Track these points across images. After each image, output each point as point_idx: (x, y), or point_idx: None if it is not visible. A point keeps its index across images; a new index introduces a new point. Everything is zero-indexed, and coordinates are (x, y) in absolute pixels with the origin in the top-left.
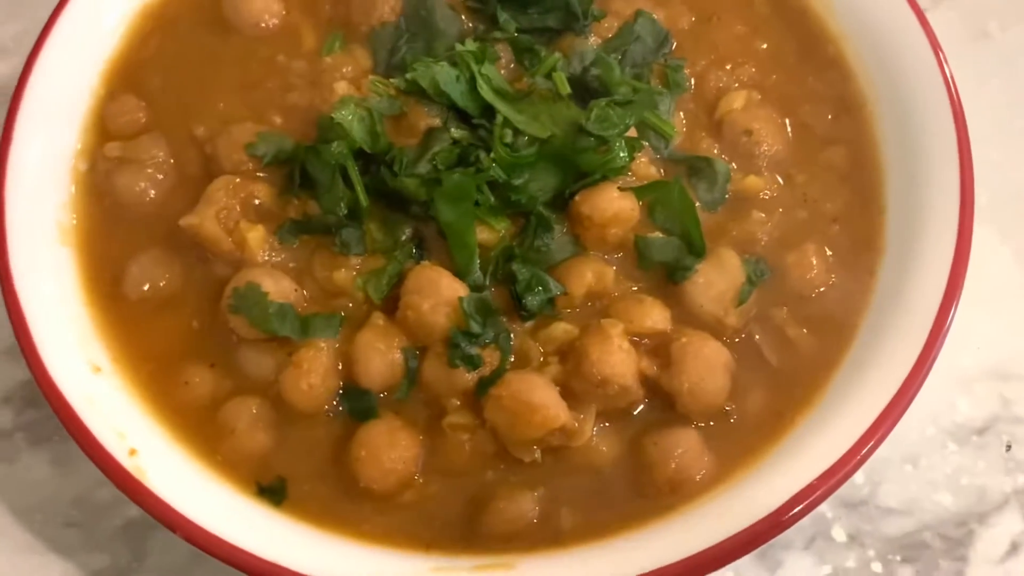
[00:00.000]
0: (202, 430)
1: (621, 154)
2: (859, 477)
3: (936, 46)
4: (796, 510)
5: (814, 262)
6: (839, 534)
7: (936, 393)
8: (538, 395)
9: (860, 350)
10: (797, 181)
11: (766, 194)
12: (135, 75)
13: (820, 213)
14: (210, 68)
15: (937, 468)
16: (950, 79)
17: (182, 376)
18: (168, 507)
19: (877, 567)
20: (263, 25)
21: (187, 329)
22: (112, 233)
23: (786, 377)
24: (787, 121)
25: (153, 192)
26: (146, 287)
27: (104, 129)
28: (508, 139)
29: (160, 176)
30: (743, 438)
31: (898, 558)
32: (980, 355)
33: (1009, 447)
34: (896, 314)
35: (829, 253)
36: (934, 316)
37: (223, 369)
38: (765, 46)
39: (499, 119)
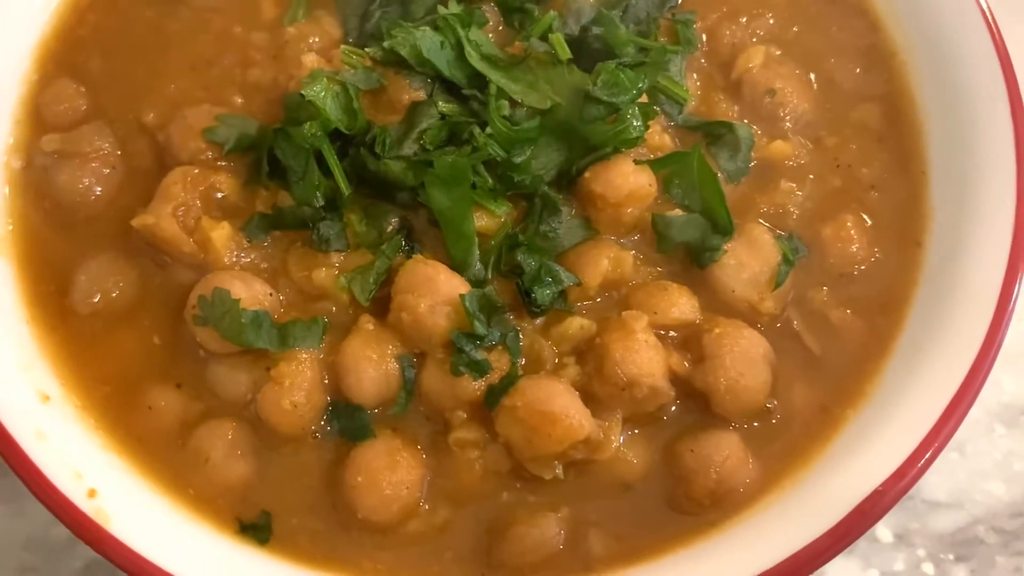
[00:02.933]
0: (171, 462)
1: (635, 123)
2: None
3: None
4: (861, 523)
5: (853, 235)
6: (885, 534)
7: None
8: (558, 403)
9: (914, 331)
10: (827, 144)
11: (794, 161)
12: (72, 57)
13: (855, 179)
14: (157, 45)
15: (985, 454)
16: (989, 15)
17: (144, 400)
18: (137, 556)
19: (929, 568)
20: None
21: (147, 345)
22: (55, 239)
23: (832, 367)
24: (812, 77)
25: (99, 189)
26: (97, 299)
27: (40, 120)
28: (505, 111)
29: (106, 170)
30: (789, 439)
31: (951, 556)
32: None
33: None
34: (952, 288)
35: (869, 223)
36: (999, 286)
37: (191, 390)
38: None
39: (492, 89)
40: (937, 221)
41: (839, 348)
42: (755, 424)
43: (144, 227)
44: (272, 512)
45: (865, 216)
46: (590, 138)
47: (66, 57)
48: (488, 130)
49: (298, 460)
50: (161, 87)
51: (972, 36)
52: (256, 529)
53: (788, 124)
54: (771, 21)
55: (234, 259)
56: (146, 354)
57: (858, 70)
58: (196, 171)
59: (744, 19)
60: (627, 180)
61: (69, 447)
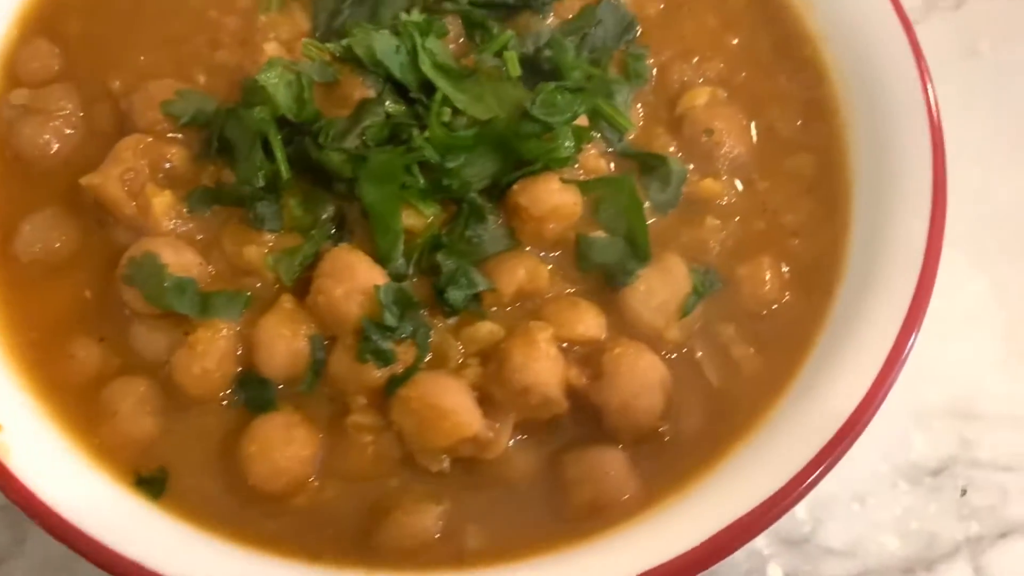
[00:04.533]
0: (82, 409)
1: (567, 143)
2: (801, 512)
3: (920, 59)
4: (725, 544)
5: (768, 277)
6: (775, 572)
7: (892, 427)
8: (449, 399)
9: (809, 375)
10: (758, 188)
11: (723, 200)
12: (52, 19)
13: (779, 225)
14: (135, 17)
15: (886, 508)
16: (931, 96)
17: (67, 349)
18: (29, 493)
19: None
20: None
21: (79, 298)
22: (8, 187)
23: (727, 400)
24: (753, 123)
25: (58, 145)
26: (38, 248)
27: (13, 75)
28: (446, 118)
29: (68, 130)
30: (674, 462)
31: None
32: (944, 390)
33: (964, 492)
34: (851, 340)
35: (785, 269)
36: (890, 346)
37: (113, 345)
38: (736, 41)
39: (438, 96)
40: (850, 274)
41: (737, 383)
42: (642, 445)
43: (91, 186)
44: (169, 470)
45: (783, 260)
46: (522, 153)
47: (46, 19)
48: (426, 133)
49: (202, 424)
50: (132, 58)
51: (911, 111)
52: (151, 483)
53: (722, 164)
54: (721, 66)
55: (172, 227)
56: (76, 306)
57: (799, 121)
58: (149, 139)
59: (696, 60)
60: (551, 196)
61: None
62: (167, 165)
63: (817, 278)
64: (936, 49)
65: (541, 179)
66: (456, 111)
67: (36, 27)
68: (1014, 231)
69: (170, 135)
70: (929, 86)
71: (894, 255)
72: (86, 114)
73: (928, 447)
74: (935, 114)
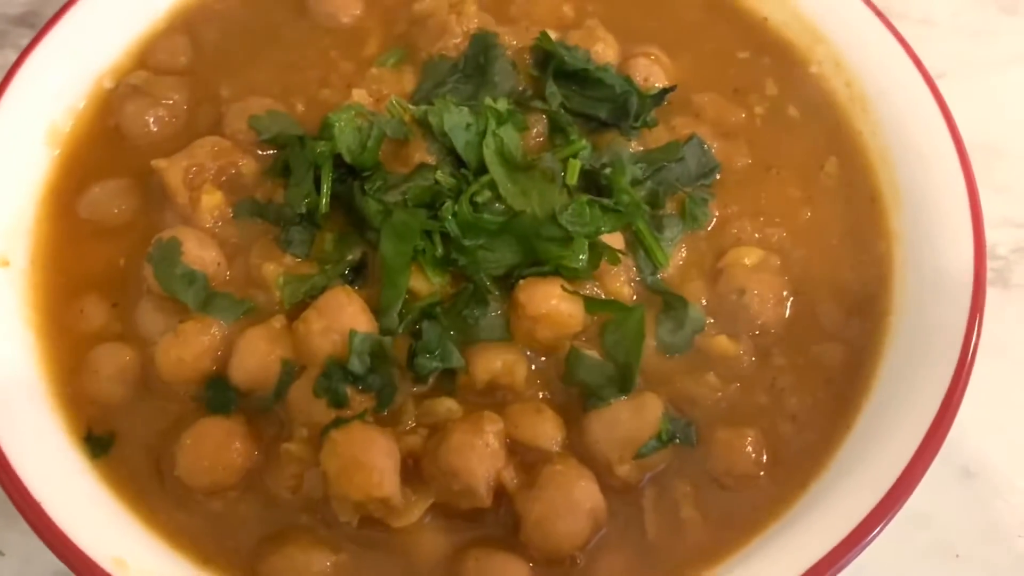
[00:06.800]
0: (68, 358)
1: (580, 256)
2: None
3: (979, 295)
4: None
5: (748, 451)
6: None
7: None
8: (370, 456)
9: (741, 559)
10: (774, 363)
11: (732, 363)
12: (198, 20)
13: (780, 405)
14: (267, 42)
15: None
16: (973, 340)
17: (80, 302)
18: None
19: None
20: (338, 19)
21: (112, 263)
22: (98, 151)
23: (656, 555)
24: (792, 299)
25: (155, 129)
26: (98, 210)
27: (143, 59)
28: (483, 199)
29: (168, 119)
30: None
31: None
32: None
33: None
34: (793, 538)
35: (769, 448)
36: (818, 558)
37: (121, 313)
38: (810, 215)
39: (485, 178)
40: (831, 474)
41: (672, 542)
42: (551, 567)
43: (158, 168)
44: (117, 437)
45: (769, 440)
46: (539, 253)
47: (194, 18)
48: (454, 208)
49: (162, 406)
50: (248, 74)
51: (951, 338)
52: (97, 444)
53: (744, 328)
54: (784, 234)
55: (211, 225)
56: (107, 269)
57: (842, 314)
58: (227, 144)
59: (761, 219)
60: (547, 301)
61: None
62: (233, 171)
63: (797, 469)
64: None
65: (545, 281)
66: (499, 197)
67: (182, 24)
68: None
69: (249, 147)
70: (975, 330)
71: (872, 471)
72: (190, 109)
73: None
74: (968, 357)
